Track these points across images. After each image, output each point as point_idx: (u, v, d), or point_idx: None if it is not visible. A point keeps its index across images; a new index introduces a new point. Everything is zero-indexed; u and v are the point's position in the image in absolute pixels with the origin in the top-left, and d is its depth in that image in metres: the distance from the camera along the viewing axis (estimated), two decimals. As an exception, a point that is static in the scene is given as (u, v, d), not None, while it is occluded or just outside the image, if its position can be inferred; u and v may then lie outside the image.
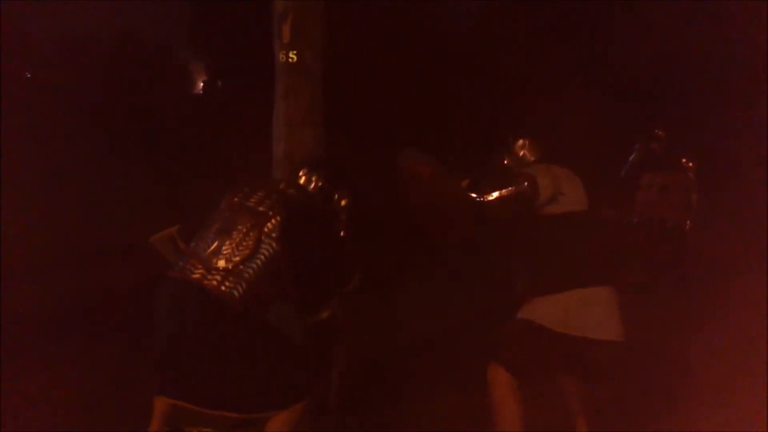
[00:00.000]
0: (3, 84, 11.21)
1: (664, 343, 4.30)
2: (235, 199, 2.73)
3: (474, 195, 2.93)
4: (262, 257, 2.57)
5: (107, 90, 13.73)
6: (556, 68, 10.49)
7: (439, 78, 11.29)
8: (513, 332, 2.92)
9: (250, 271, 2.54)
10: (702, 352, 4.07)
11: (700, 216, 4.88)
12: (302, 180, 2.96)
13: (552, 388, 3.18)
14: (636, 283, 4.91)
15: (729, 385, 3.69)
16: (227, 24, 13.94)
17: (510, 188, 2.90)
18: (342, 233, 3.05)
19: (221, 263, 2.53)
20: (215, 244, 2.58)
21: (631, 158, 5.06)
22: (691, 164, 4.90)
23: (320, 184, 2.96)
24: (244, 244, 2.57)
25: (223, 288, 2.49)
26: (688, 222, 4.88)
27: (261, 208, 2.66)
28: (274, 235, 2.60)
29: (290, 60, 3.42)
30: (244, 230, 2.60)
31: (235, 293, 2.49)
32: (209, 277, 2.51)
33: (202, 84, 18.04)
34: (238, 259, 2.54)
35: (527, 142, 3.17)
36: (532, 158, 3.13)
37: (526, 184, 2.89)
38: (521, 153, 3.16)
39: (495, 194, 2.90)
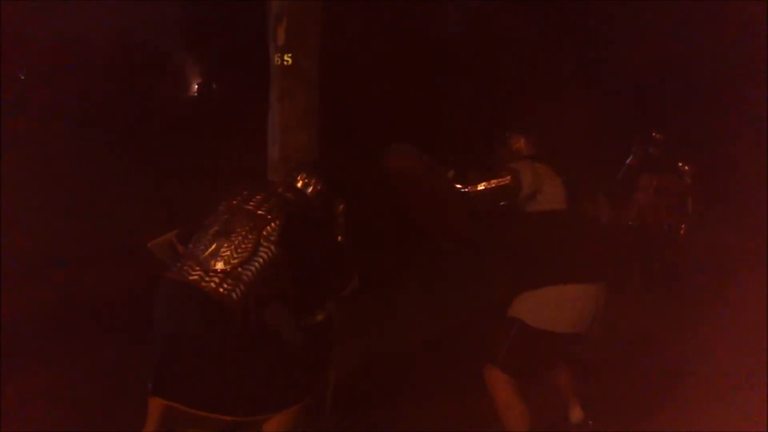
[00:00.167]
0: (2, 85, 11.20)
1: (663, 343, 4.31)
2: (234, 202, 2.73)
3: (459, 186, 2.97)
4: (261, 260, 2.57)
5: (103, 93, 13.71)
6: (554, 69, 10.51)
7: (435, 81, 11.30)
8: (504, 334, 2.95)
9: (249, 273, 2.54)
10: (702, 353, 4.08)
11: (699, 218, 4.89)
12: (299, 183, 2.95)
13: (545, 381, 3.24)
14: (632, 283, 4.94)
15: (729, 385, 3.70)
16: (222, 27, 13.94)
17: (494, 180, 2.95)
18: (339, 237, 3.05)
19: (220, 265, 2.54)
20: (213, 246, 2.59)
21: (628, 160, 5.06)
22: (687, 168, 4.90)
23: (318, 187, 2.95)
24: (243, 246, 2.57)
25: (221, 290, 2.49)
26: (683, 226, 4.89)
27: (260, 212, 2.67)
28: (272, 238, 2.61)
29: (285, 63, 3.41)
30: (243, 233, 2.60)
31: (234, 295, 2.50)
32: (207, 278, 2.51)
33: (196, 87, 18.02)
34: (236, 261, 2.55)
35: (522, 138, 3.21)
36: (525, 153, 3.16)
37: (509, 177, 2.93)
38: (515, 147, 3.20)
39: (480, 186, 2.95)
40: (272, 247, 2.60)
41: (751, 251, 5.76)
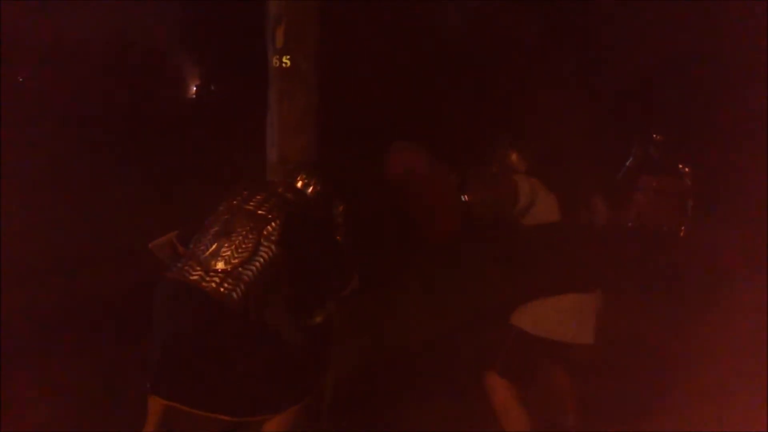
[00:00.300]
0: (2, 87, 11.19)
1: (663, 344, 4.31)
2: (234, 202, 2.74)
3: (460, 193, 3.02)
4: (261, 260, 2.58)
5: (101, 95, 13.70)
6: (554, 70, 10.48)
7: (435, 83, 11.28)
8: (504, 341, 3.03)
9: (249, 273, 2.55)
10: (702, 353, 4.08)
11: (699, 221, 4.88)
12: (299, 184, 2.96)
13: (543, 386, 3.26)
14: (631, 285, 4.94)
15: (729, 386, 3.70)
16: (221, 28, 13.93)
17: (495, 190, 3.02)
18: (339, 237, 3.05)
19: (220, 265, 2.54)
20: (214, 246, 2.59)
21: (628, 162, 5.06)
22: (687, 170, 4.89)
23: (318, 188, 2.96)
24: (244, 246, 2.58)
25: (222, 289, 2.50)
26: (683, 228, 4.88)
27: (260, 212, 2.68)
28: (273, 238, 2.62)
29: (284, 65, 3.41)
30: (244, 233, 2.61)
31: (234, 295, 2.50)
32: (207, 278, 2.52)
33: (195, 88, 18.00)
34: (237, 261, 2.55)
35: (514, 153, 3.26)
36: (518, 169, 3.22)
37: (509, 188, 2.99)
38: (506, 162, 3.25)
39: (480, 194, 3.01)
40: (273, 247, 2.61)
41: (751, 252, 5.76)
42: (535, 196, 3.02)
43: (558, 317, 2.96)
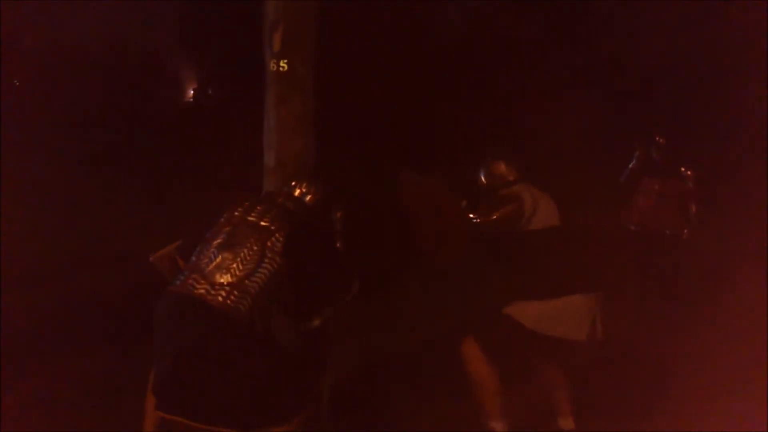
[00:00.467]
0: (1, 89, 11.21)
1: (663, 344, 4.31)
2: (236, 214, 2.72)
3: (471, 216, 3.11)
4: (266, 271, 2.56)
5: (99, 98, 13.72)
6: (555, 71, 10.47)
7: (433, 86, 11.26)
8: (492, 319, 3.10)
9: (255, 285, 2.53)
10: (702, 354, 4.09)
11: (700, 223, 4.86)
12: (297, 192, 2.96)
13: (537, 384, 3.32)
14: (632, 286, 4.93)
15: (729, 386, 3.70)
16: (218, 32, 13.93)
17: (504, 210, 3.08)
18: (339, 244, 3.06)
19: (226, 278, 2.52)
20: (218, 259, 2.57)
21: (630, 165, 5.04)
22: (690, 173, 4.86)
23: (317, 196, 2.97)
24: (248, 258, 2.56)
25: (228, 302, 2.47)
26: (685, 231, 4.86)
27: (263, 223, 2.67)
28: (277, 249, 2.60)
29: (281, 69, 3.41)
30: (248, 245, 2.59)
31: (241, 307, 2.48)
32: (213, 292, 2.49)
33: (193, 92, 17.99)
34: (242, 273, 2.53)
35: (502, 163, 3.30)
36: (510, 177, 3.26)
37: (516, 204, 3.07)
38: (497, 173, 3.29)
39: (492, 216, 3.09)
40: (277, 258, 2.59)
41: (751, 252, 5.76)
42: (536, 205, 3.08)
43: (552, 314, 2.99)
